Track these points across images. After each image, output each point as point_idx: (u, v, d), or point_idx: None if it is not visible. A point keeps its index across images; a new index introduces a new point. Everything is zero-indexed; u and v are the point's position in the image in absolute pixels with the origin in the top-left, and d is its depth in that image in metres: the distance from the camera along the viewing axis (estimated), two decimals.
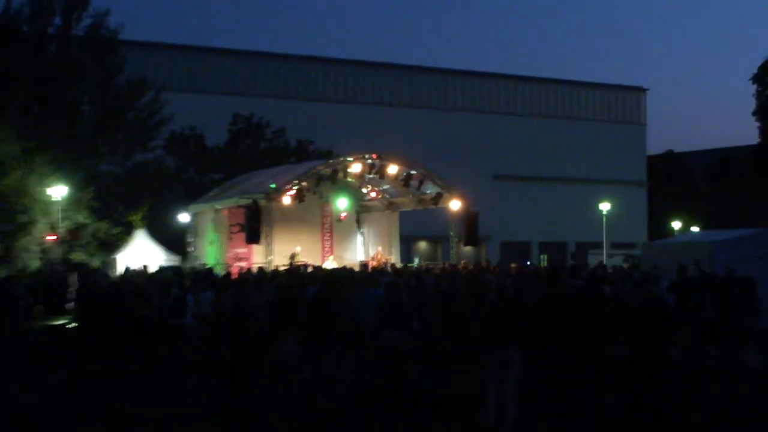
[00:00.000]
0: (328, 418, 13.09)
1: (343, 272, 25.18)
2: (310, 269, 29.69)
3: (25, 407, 14.64)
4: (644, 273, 14.86)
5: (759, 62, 66.03)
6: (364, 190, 40.69)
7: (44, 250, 39.61)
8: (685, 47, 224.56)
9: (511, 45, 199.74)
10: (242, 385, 14.41)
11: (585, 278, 18.74)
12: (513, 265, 33.93)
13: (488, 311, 12.71)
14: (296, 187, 34.74)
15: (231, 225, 37.17)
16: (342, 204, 39.86)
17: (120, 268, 34.36)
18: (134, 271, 30.01)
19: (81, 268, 34.72)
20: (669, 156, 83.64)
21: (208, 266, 32.58)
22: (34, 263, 38.19)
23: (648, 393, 12.49)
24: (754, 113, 66.94)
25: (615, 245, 62.11)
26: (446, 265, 33.97)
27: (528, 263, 48.00)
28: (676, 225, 64.56)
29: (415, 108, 69.23)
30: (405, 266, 34.82)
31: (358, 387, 14.62)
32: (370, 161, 36.53)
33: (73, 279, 30.21)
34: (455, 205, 37.88)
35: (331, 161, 38.78)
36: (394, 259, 40.03)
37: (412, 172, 37.26)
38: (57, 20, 43.71)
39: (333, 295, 15.40)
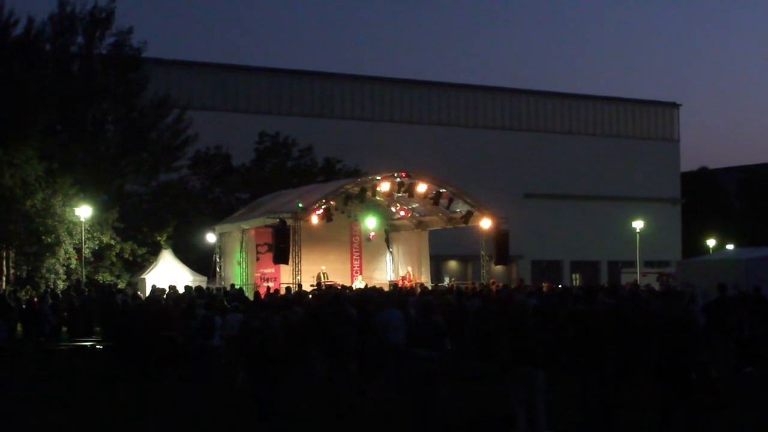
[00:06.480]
0: None
1: (373, 292, 25.13)
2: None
3: (53, 427, 14.79)
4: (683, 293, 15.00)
5: None
6: (393, 209, 40.37)
7: (69, 271, 39.25)
8: (718, 61, 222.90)
9: (541, 61, 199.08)
10: (266, 407, 14.50)
11: (621, 297, 18.65)
12: (545, 284, 33.39)
13: (510, 330, 12.82)
14: (324, 207, 34.61)
15: (258, 245, 36.93)
16: (371, 223, 39.65)
17: (149, 289, 34.11)
18: (160, 290, 29.66)
19: (105, 288, 34.40)
20: (703, 172, 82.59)
21: (237, 287, 32.24)
22: (60, 284, 37.89)
23: (678, 409, 12.48)
24: None
25: (648, 264, 61.11)
26: (477, 284, 33.60)
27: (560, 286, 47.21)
28: (711, 243, 63.43)
29: (444, 125, 68.49)
30: (436, 285, 34.32)
31: (390, 405, 14.91)
32: (398, 179, 36.25)
33: (99, 300, 29.92)
34: (485, 223, 37.48)
35: (359, 180, 38.54)
36: (425, 279, 39.55)
37: (442, 190, 36.92)
38: (80, 39, 43.64)
39: (365, 313, 15.71)
